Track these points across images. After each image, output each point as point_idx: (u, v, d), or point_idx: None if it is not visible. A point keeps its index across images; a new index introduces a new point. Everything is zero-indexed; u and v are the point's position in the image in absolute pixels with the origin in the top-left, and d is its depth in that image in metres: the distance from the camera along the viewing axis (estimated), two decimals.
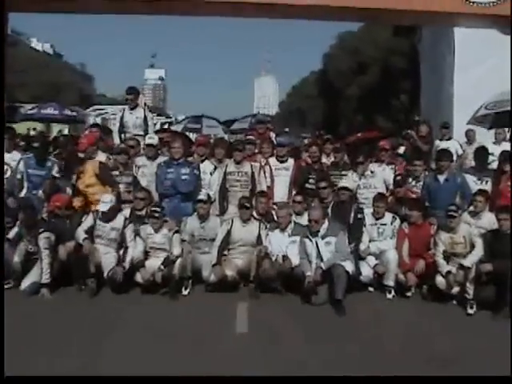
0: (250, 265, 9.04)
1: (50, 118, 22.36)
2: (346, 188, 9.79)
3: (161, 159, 10.47)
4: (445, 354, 6.63)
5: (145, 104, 12.35)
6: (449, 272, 8.61)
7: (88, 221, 9.21)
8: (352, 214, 9.63)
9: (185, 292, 8.96)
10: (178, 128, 19.07)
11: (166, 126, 26.72)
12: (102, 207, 9.08)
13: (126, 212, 9.68)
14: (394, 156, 11.25)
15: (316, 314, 8.15)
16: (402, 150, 11.35)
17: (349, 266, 8.65)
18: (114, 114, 24.20)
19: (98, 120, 27.97)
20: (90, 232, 9.13)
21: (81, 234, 9.06)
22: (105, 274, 8.91)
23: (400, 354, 6.72)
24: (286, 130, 17.11)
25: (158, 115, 39.95)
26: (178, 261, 8.85)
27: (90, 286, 8.84)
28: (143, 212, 9.56)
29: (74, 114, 23.22)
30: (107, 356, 6.54)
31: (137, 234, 9.24)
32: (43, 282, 8.74)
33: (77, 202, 9.87)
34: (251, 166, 10.33)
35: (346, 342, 7.06)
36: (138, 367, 6.19)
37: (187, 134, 16.99)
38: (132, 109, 11.82)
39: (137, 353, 6.63)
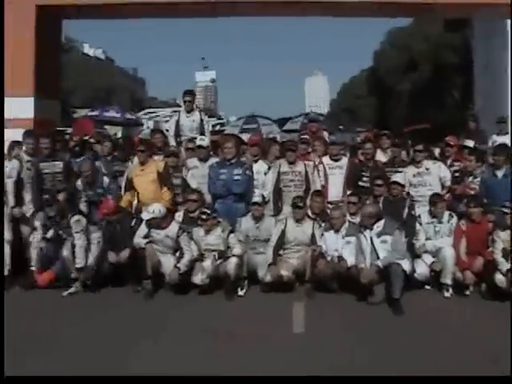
0: (305, 264, 9.01)
1: (112, 120, 22.67)
2: (397, 183, 9.70)
3: (212, 160, 10.49)
4: (506, 354, 6.46)
5: (197, 106, 12.37)
6: (509, 270, 8.44)
7: (143, 228, 9.28)
8: (406, 211, 9.55)
9: (241, 292, 8.99)
10: (234, 129, 19.08)
11: (217, 128, 26.84)
12: (145, 216, 9.17)
13: (179, 214, 9.78)
14: (459, 152, 11.00)
15: (373, 313, 8.07)
16: (471, 143, 10.97)
17: (405, 265, 8.55)
18: (166, 117, 24.44)
19: (151, 123, 28.25)
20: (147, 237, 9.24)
21: (139, 239, 9.18)
22: (166, 277, 9.00)
23: (459, 353, 6.60)
24: (341, 127, 16.94)
25: (210, 117, 40.13)
26: (234, 260, 8.87)
27: (147, 288, 8.93)
28: (195, 214, 9.59)
29: (134, 117, 23.55)
30: (164, 356, 6.58)
31: (190, 236, 9.30)
32: (78, 267, 9.09)
33: (128, 197, 10.05)
34: (305, 165, 10.28)
35: (403, 341, 6.98)
36: (195, 367, 6.20)
37: (242, 134, 16.96)
38: (188, 112, 11.86)
39: (194, 353, 6.65)
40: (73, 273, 9.18)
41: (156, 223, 9.12)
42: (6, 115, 13.93)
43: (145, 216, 9.15)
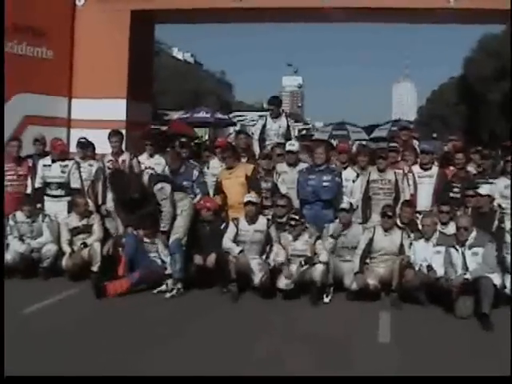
0: (393, 274, 8.89)
1: (202, 121, 22.96)
2: (486, 195, 9.47)
3: (301, 166, 10.49)
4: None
5: (282, 111, 12.41)
6: None
7: (231, 229, 9.38)
8: (495, 223, 9.33)
9: (326, 299, 8.94)
10: (323, 135, 19.05)
11: (303, 133, 26.82)
12: (246, 198, 9.35)
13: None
14: None
15: (460, 326, 7.88)
16: None
17: (496, 279, 8.31)
18: (252, 121, 24.60)
19: (237, 126, 28.53)
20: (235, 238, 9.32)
21: (228, 243, 9.26)
22: (256, 280, 9.06)
23: None
24: (434, 135, 16.65)
25: (296, 122, 40.23)
26: (321, 267, 8.84)
27: (233, 290, 9.00)
28: (284, 219, 9.59)
29: (226, 117, 23.79)
30: (249, 359, 6.61)
31: (277, 241, 9.31)
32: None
33: (218, 200, 10.14)
34: (395, 173, 10.17)
35: (490, 357, 6.77)
36: (276, 371, 6.20)
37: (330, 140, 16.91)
38: (275, 117, 11.88)
39: (276, 357, 6.66)
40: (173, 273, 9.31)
41: (251, 212, 9.24)
42: (99, 117, 14.37)
43: (248, 198, 9.34)
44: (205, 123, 23.72)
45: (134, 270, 9.34)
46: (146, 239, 9.55)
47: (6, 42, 14.27)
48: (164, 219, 9.29)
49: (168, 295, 9.11)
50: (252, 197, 9.47)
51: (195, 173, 10.35)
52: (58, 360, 6.39)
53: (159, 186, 9.30)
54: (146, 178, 9.50)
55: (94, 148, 11.38)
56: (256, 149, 11.67)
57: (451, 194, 10.18)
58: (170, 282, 9.30)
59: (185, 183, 10.14)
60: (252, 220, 9.34)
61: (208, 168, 10.81)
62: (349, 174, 10.45)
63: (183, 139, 12.24)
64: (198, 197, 10.08)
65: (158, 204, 9.26)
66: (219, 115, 23.60)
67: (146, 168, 10.54)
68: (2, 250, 9.62)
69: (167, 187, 9.34)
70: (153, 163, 10.89)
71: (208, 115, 22.57)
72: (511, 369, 5.93)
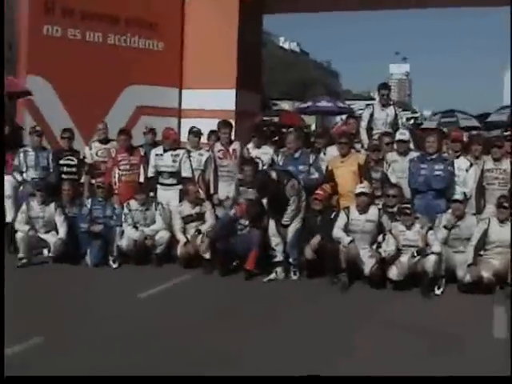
0: (508, 267, 8.59)
1: (325, 110, 22.91)
2: None
3: (412, 155, 10.29)
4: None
5: (390, 99, 12.26)
6: None
7: (342, 218, 9.31)
8: None
9: (438, 291, 8.75)
10: (431, 124, 18.59)
11: (411, 122, 26.27)
12: (358, 189, 9.28)
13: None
14: None
15: None
16: None
17: None
18: (361, 110, 24.32)
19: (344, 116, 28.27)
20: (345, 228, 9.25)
21: (339, 232, 9.18)
22: (366, 270, 8.99)
23: None
24: None
25: (404, 110, 39.57)
26: (433, 258, 8.65)
27: (343, 280, 8.95)
28: (394, 209, 9.45)
29: (346, 106, 23.67)
30: (357, 349, 6.54)
31: (389, 231, 9.18)
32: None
33: (328, 189, 10.03)
34: (510, 162, 9.81)
35: None
36: (383, 365, 6.11)
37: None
38: (383, 106, 11.73)
39: (384, 350, 6.54)
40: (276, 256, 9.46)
41: (363, 202, 9.19)
42: (209, 107, 14.60)
43: (359, 189, 9.27)
44: (326, 112, 23.58)
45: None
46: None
47: (120, 36, 14.73)
48: (290, 214, 9.44)
49: (265, 279, 9.31)
50: (365, 187, 9.38)
51: (312, 157, 10.33)
52: (171, 344, 6.54)
53: (291, 183, 9.47)
54: (273, 174, 9.58)
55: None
56: (364, 138, 11.56)
57: None
58: (279, 269, 9.39)
59: (301, 167, 10.17)
60: (364, 210, 9.25)
61: (325, 154, 10.77)
62: (462, 163, 10.14)
63: (291, 129, 12.26)
64: (314, 176, 10.08)
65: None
66: (340, 104, 23.47)
67: (250, 158, 10.60)
68: (2, 249, 9.81)
69: (297, 184, 9.53)
70: (260, 153, 10.92)
71: (330, 104, 22.45)
72: (511, 369, 5.72)
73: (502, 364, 6.11)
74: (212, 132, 11.45)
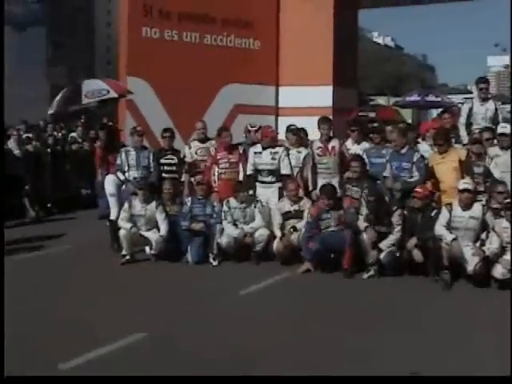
0: None
1: (431, 105, 22.48)
2: None
3: None
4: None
5: (489, 93, 11.94)
6: None
7: (444, 215, 9.11)
8: None
9: None
10: None
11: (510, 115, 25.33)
12: (462, 186, 9.06)
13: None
14: None
15: None
16: None
17: None
18: (460, 103, 23.71)
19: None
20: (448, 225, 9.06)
21: (441, 229, 9.00)
22: (469, 269, 8.75)
23: None
24: None
25: (503, 103, 38.36)
26: None
27: (445, 279, 8.75)
28: (500, 205, 9.15)
29: (451, 100, 23.15)
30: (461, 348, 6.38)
31: (492, 228, 8.90)
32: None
33: (429, 186, 9.92)
34: None
35: None
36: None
37: None
38: (483, 100, 11.42)
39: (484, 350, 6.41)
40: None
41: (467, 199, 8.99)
42: (306, 104, 14.56)
43: (462, 186, 9.06)
44: (432, 106, 23.11)
45: None
46: None
47: (216, 35, 14.91)
48: (390, 240, 9.38)
49: (365, 276, 9.27)
50: (468, 183, 9.14)
51: (416, 155, 10.16)
52: (271, 341, 6.56)
53: (399, 212, 9.49)
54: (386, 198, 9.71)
55: (306, 134, 11.59)
56: (463, 133, 11.30)
57: None
58: (375, 267, 9.34)
59: (404, 164, 10.05)
60: (467, 206, 9.01)
61: (418, 152, 10.54)
62: None
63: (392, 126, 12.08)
64: (415, 178, 9.91)
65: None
66: (445, 98, 22.93)
67: (357, 154, 10.51)
68: (2, 248, 9.79)
69: (402, 214, 9.53)
70: (358, 149, 10.83)
71: (438, 98, 21.99)
72: (511, 369, 5.42)
73: None
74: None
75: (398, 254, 9.28)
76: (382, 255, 9.23)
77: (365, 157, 10.47)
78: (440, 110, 17.34)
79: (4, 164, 11.06)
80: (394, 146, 10.41)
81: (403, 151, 10.19)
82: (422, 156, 10.26)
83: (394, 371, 5.69)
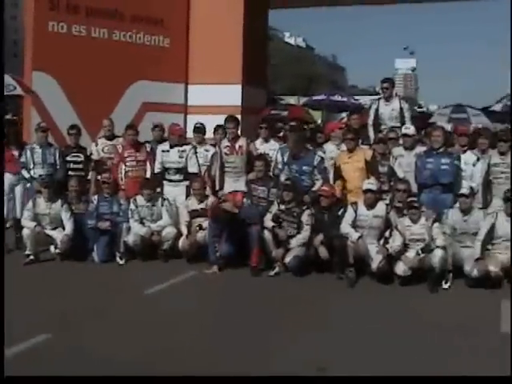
0: None
1: (337, 105, 22.67)
2: None
3: (418, 149, 10.29)
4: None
5: (396, 94, 12.23)
6: None
7: (349, 213, 9.31)
8: None
9: (445, 286, 8.75)
10: (442, 118, 18.46)
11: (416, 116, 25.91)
12: (365, 186, 9.27)
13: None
14: None
15: None
16: None
17: None
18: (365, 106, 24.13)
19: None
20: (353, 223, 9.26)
21: (347, 227, 9.21)
22: (373, 266, 8.97)
23: None
24: None
25: (410, 105, 39.35)
26: (439, 253, 8.64)
27: (350, 276, 8.95)
28: (402, 204, 9.42)
29: (357, 101, 23.43)
30: (365, 344, 6.53)
31: (395, 226, 9.16)
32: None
33: (337, 188, 10.04)
34: None
35: None
36: (392, 360, 6.10)
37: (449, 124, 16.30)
38: (387, 100, 11.66)
39: (391, 346, 6.53)
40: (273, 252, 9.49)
41: (371, 199, 9.19)
42: (215, 102, 14.58)
43: (368, 186, 9.25)
44: (338, 106, 23.30)
45: None
46: None
47: (125, 32, 14.74)
48: (298, 239, 9.55)
49: (272, 273, 9.39)
50: (372, 184, 9.36)
51: (317, 158, 10.23)
52: (178, 339, 6.56)
53: (309, 211, 9.66)
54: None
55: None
56: (370, 133, 11.53)
57: None
58: (280, 264, 9.46)
59: (304, 168, 10.14)
60: (371, 205, 9.25)
61: (324, 153, 10.70)
62: (468, 157, 10.14)
63: (293, 123, 12.22)
64: (318, 183, 10.02)
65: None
66: (352, 99, 23.24)
67: (261, 154, 10.59)
68: (2, 248, 9.83)
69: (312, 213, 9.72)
70: (267, 148, 10.92)
71: (344, 99, 22.26)
72: (511, 369, 5.68)
73: (506, 357, 6.11)
74: (219, 126, 11.38)
75: (304, 254, 9.42)
76: (287, 257, 9.36)
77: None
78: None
79: (3, 162, 10.70)
80: (292, 149, 10.42)
81: (302, 155, 10.27)
82: (322, 158, 10.37)
83: (299, 369, 5.76)
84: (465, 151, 10.26)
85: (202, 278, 9.26)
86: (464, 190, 9.19)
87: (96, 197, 10.47)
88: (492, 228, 8.91)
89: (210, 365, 5.86)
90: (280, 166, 10.40)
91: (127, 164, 10.85)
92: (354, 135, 10.35)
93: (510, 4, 12.49)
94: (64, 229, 10.01)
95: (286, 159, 10.32)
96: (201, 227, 10.00)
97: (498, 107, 18.90)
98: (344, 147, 10.41)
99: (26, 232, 9.90)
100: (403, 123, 11.20)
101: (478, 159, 10.07)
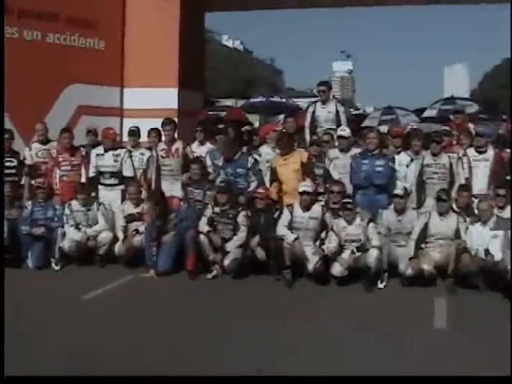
0: (448, 259, 8.76)
1: (275, 106, 22.66)
2: None
3: (354, 151, 10.41)
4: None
5: (333, 97, 12.36)
6: None
7: (285, 215, 9.37)
8: None
9: (380, 285, 8.87)
10: (373, 121, 18.73)
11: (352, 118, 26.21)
12: (301, 188, 9.33)
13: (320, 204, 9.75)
14: None
15: None
16: None
17: None
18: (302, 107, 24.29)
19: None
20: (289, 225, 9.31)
21: (283, 229, 9.27)
22: (310, 267, 9.03)
23: None
24: (504, 117, 16.05)
25: (347, 107, 39.79)
26: (375, 253, 8.77)
27: (287, 277, 9.00)
28: (337, 205, 9.51)
29: (295, 104, 23.47)
30: (306, 346, 6.58)
31: (331, 228, 9.25)
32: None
33: (273, 190, 10.06)
34: (449, 157, 9.98)
35: None
36: (329, 360, 6.18)
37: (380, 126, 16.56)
38: (324, 102, 11.73)
39: (329, 346, 6.60)
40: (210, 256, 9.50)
41: (306, 201, 9.26)
42: (151, 106, 14.49)
43: (304, 188, 9.31)
44: (276, 108, 23.31)
45: None
46: None
47: (60, 34, 14.50)
48: (235, 241, 9.59)
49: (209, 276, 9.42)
50: (307, 186, 9.43)
51: (250, 160, 10.29)
52: (115, 345, 6.50)
53: (245, 212, 9.74)
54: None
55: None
56: (307, 136, 11.57)
57: (507, 177, 9.94)
58: (217, 266, 9.48)
59: (239, 170, 10.17)
60: (307, 207, 9.32)
61: (260, 155, 10.74)
62: (402, 158, 10.31)
63: (230, 126, 12.21)
64: (253, 185, 10.07)
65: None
66: (291, 101, 23.26)
67: (197, 157, 10.57)
68: (2, 248, 9.68)
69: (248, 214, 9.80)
70: (203, 151, 10.90)
71: (283, 100, 22.28)
72: (511, 369, 5.78)
73: (440, 353, 6.26)
74: (152, 130, 11.30)
75: (242, 255, 9.43)
76: (226, 260, 9.38)
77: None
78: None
79: (3, 166, 10.46)
80: (223, 152, 10.47)
81: (236, 157, 10.31)
82: (256, 160, 10.43)
83: (236, 370, 5.78)
84: (399, 152, 10.43)
85: (139, 283, 9.21)
86: (398, 191, 9.34)
87: (30, 202, 10.30)
88: (425, 227, 9.07)
89: (148, 366, 5.86)
90: (210, 170, 10.44)
91: (62, 168, 10.71)
92: (288, 138, 10.41)
93: (510, 11, 12.74)
94: None
95: (219, 162, 10.35)
96: (137, 231, 9.91)
97: (432, 113, 19.23)
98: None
99: None
100: (339, 125, 11.26)
101: (412, 160, 10.22)
